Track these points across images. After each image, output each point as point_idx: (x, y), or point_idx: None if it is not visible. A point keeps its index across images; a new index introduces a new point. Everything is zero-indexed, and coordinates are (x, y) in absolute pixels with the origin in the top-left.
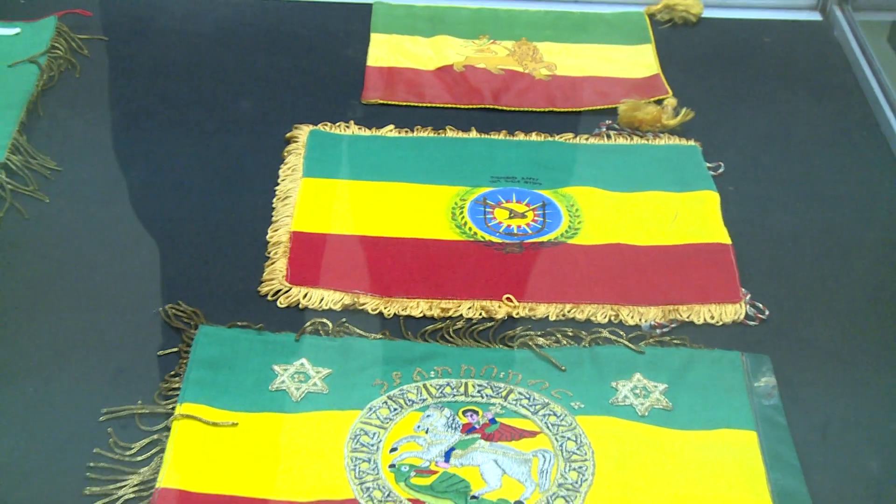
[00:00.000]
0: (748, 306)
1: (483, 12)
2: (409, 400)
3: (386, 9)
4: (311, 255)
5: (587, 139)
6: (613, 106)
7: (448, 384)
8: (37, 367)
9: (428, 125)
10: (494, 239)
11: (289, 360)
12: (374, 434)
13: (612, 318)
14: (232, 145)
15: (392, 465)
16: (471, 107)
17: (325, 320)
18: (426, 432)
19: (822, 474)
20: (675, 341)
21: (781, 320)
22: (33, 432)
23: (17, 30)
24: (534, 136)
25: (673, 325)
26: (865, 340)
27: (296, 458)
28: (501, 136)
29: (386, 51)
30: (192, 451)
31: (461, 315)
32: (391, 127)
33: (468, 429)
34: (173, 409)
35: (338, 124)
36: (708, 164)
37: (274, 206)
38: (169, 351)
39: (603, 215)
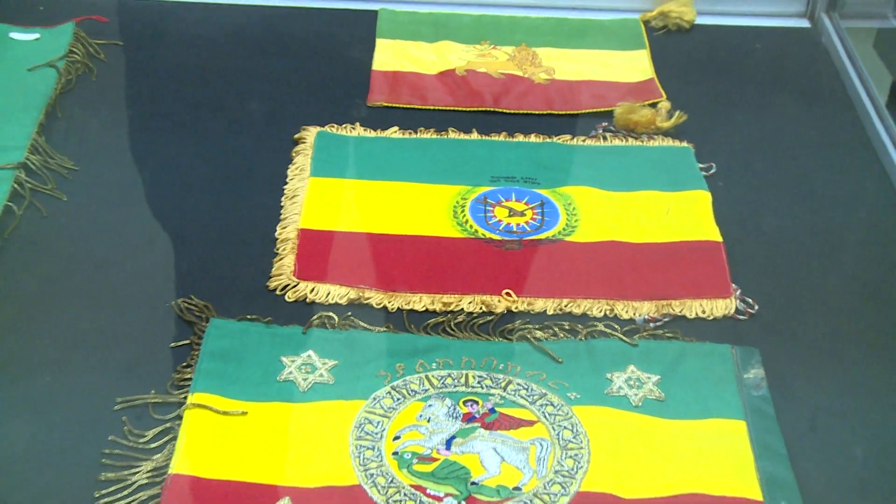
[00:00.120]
0: (738, 301)
1: (485, 19)
2: (412, 390)
3: (391, 15)
4: (318, 251)
5: (584, 140)
6: (610, 109)
7: (449, 375)
8: (54, 358)
9: (431, 127)
10: (494, 236)
11: (296, 351)
12: (378, 423)
13: (608, 312)
14: (242, 146)
15: (395, 453)
16: (472, 109)
17: (331, 314)
18: (428, 421)
19: (808, 462)
20: (668, 335)
21: (770, 315)
22: (52, 421)
23: (37, 35)
24: (533, 138)
25: (666, 319)
26: (850, 334)
27: (303, 445)
28: (501, 137)
29: (391, 56)
30: (203, 439)
31: (462, 309)
32: (395, 128)
33: (468, 418)
34: (185, 398)
35: (344, 126)
36: (700, 165)
37: (282, 204)
38: (181, 343)
39: (599, 214)
